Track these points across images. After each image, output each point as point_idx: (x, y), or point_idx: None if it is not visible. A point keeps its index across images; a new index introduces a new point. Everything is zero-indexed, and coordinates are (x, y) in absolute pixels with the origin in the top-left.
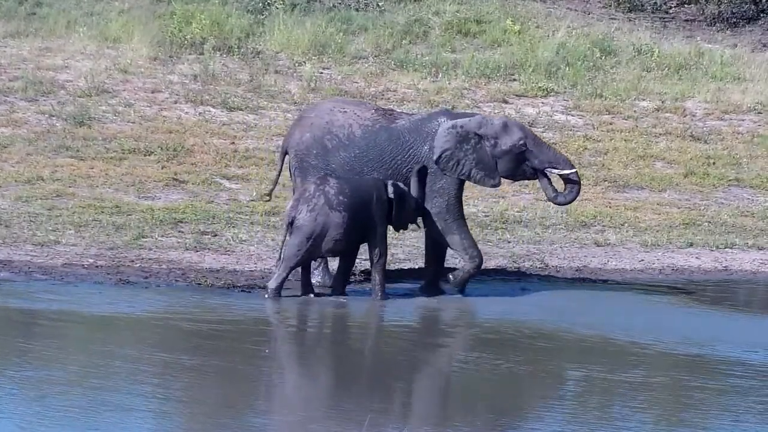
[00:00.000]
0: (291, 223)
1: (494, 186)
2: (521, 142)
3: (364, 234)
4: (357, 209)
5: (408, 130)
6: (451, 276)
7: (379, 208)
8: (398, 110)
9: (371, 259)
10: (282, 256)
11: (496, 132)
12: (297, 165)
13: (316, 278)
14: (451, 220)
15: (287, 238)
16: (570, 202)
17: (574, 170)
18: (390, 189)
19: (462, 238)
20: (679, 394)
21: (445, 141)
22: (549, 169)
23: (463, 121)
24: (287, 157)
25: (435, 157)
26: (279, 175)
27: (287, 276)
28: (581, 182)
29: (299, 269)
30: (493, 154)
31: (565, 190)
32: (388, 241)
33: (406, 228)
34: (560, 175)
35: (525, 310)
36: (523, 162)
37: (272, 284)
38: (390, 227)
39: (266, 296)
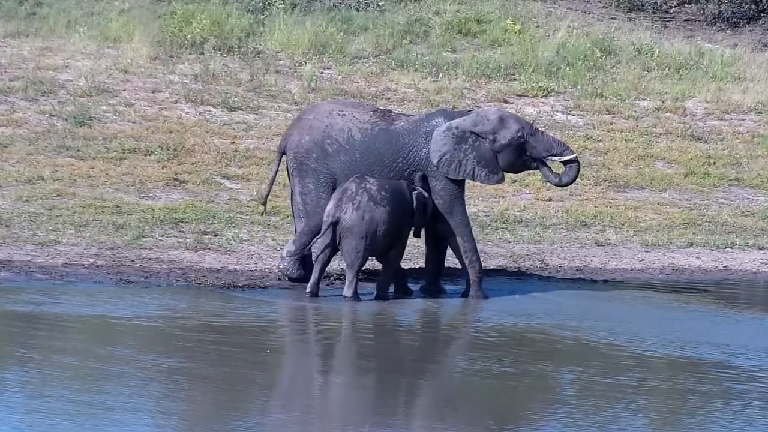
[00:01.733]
0: (335, 224)
1: (498, 182)
2: (519, 134)
3: (399, 233)
4: (396, 207)
5: (407, 131)
6: (470, 295)
7: (410, 210)
8: (396, 111)
9: (387, 258)
10: (316, 257)
11: (493, 127)
12: (296, 167)
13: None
14: (454, 223)
15: (328, 238)
16: (574, 180)
17: (574, 154)
18: (415, 194)
19: (464, 240)
20: (675, 399)
21: (442, 144)
22: (550, 158)
23: (458, 122)
24: (284, 157)
25: (435, 162)
26: (274, 178)
27: (357, 278)
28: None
29: (299, 268)
30: (493, 150)
31: (565, 169)
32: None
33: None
34: (562, 162)
35: (524, 312)
36: (523, 153)
37: (347, 292)
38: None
39: (346, 301)
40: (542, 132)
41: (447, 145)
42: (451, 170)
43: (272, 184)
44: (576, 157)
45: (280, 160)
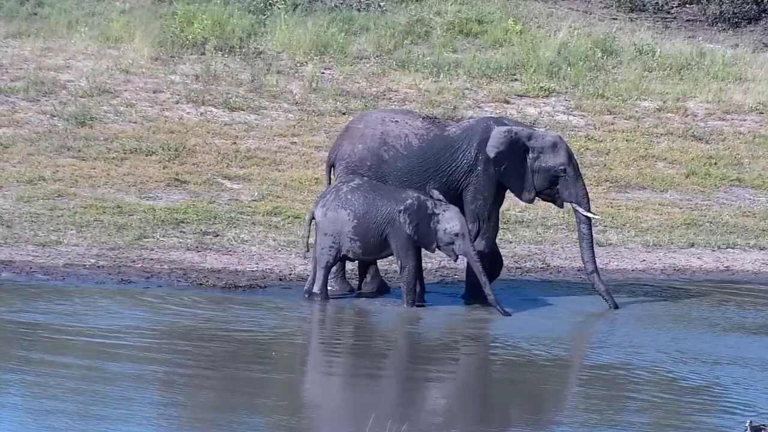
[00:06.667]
0: (311, 219)
1: (529, 201)
2: (562, 167)
3: (387, 241)
4: (365, 211)
5: (460, 137)
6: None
7: (398, 221)
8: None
9: (401, 268)
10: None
11: (543, 147)
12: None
13: (332, 287)
14: (486, 227)
15: (308, 234)
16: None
17: (594, 216)
18: (414, 207)
19: (486, 247)
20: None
21: (500, 142)
22: (574, 204)
23: (517, 129)
24: (333, 170)
25: (491, 155)
26: None
27: (326, 276)
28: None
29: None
30: (532, 168)
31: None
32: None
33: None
34: (579, 212)
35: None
36: (554, 185)
37: (315, 288)
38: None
39: (312, 299)
40: (582, 179)
41: (503, 144)
42: (500, 169)
43: None
44: (592, 219)
45: (330, 174)
